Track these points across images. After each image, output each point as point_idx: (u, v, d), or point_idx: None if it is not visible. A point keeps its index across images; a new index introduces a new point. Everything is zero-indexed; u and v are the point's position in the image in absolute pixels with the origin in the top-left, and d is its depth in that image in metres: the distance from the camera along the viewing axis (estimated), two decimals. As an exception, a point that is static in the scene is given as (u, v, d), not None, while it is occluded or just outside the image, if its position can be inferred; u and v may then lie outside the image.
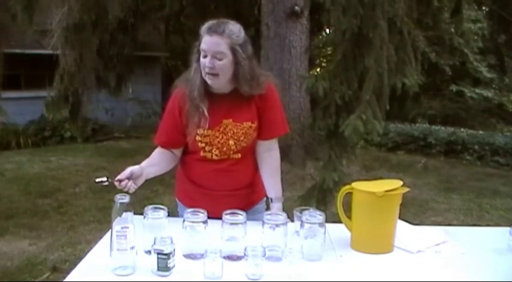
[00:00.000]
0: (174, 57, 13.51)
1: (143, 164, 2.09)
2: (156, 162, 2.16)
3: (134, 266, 1.65)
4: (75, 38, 7.72)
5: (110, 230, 1.66)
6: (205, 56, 2.01)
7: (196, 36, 2.06)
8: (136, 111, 11.94)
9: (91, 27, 8.03)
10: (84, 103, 9.27)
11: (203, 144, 2.13)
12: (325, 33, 13.97)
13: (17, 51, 9.18)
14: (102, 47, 9.23)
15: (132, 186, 1.96)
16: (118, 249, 1.62)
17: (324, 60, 15.04)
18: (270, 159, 2.26)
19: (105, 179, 1.95)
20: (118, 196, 1.67)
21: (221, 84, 2.08)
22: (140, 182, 2.01)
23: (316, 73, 10.51)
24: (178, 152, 2.23)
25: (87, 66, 8.20)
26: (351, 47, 4.27)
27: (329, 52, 12.46)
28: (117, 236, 1.62)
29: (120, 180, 1.94)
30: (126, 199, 1.66)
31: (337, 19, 4.18)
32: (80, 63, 7.94)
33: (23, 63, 10.55)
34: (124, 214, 1.63)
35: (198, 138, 2.11)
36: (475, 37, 13.76)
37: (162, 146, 2.20)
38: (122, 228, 1.62)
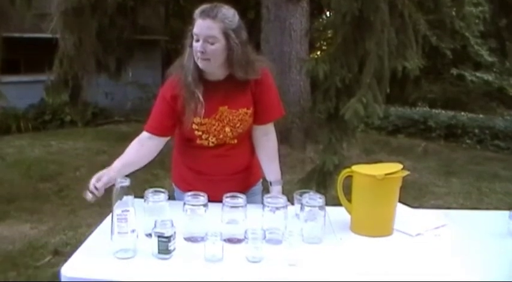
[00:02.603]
0: (174, 41, 13.37)
1: (118, 165, 2.05)
2: (132, 160, 2.11)
3: (135, 249, 1.66)
4: (74, 21, 7.65)
5: (111, 214, 1.67)
6: (197, 40, 1.98)
7: (195, 20, 2.04)
8: (136, 95, 11.89)
9: (90, 10, 7.96)
10: (84, 87, 9.22)
11: (200, 133, 2.12)
12: (326, 16, 13.88)
13: (16, 35, 9.11)
14: (102, 30, 9.15)
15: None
16: (119, 233, 1.63)
17: (325, 43, 14.95)
18: (267, 143, 2.26)
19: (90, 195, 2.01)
20: (118, 179, 1.68)
21: (213, 68, 2.04)
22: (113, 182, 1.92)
23: (316, 56, 10.45)
24: (163, 142, 2.17)
25: (87, 50, 8.14)
26: (351, 30, 4.25)
27: (329, 35, 12.37)
28: (117, 219, 1.63)
29: (97, 188, 1.98)
30: (126, 182, 1.67)
31: (337, 2, 4.17)
32: (80, 47, 7.87)
33: (22, 47, 10.47)
34: (124, 197, 1.64)
35: (194, 126, 2.10)
36: (476, 20, 13.61)
37: (153, 134, 2.13)
38: (122, 211, 1.63)
